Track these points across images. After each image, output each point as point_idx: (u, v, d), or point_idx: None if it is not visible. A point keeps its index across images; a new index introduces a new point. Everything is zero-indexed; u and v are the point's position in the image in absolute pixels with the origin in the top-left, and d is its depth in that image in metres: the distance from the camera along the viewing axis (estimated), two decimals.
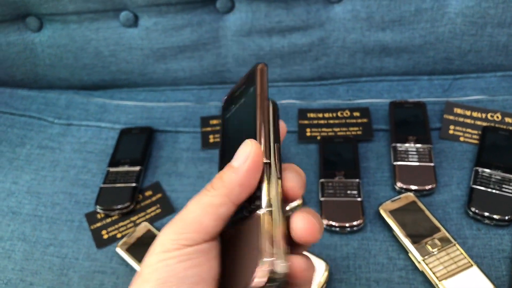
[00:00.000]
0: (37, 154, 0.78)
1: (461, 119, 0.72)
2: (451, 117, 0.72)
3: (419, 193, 0.64)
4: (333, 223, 0.61)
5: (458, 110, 0.73)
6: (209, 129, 0.78)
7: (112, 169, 0.72)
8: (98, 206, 0.68)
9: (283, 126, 0.34)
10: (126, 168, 0.72)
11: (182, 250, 0.29)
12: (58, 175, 0.74)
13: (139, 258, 0.61)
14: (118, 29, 0.85)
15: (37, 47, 0.89)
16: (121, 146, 0.76)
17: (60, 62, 0.90)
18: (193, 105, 0.84)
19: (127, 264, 0.61)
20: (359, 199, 0.63)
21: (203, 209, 0.30)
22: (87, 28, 0.85)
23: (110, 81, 0.92)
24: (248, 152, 0.31)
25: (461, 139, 0.70)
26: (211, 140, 0.76)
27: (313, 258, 0.57)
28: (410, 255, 0.58)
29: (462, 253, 0.57)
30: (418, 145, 0.68)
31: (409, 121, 0.71)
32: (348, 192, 0.64)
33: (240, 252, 0.30)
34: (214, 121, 0.79)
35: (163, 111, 0.84)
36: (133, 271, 0.61)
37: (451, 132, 0.71)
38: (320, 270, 0.56)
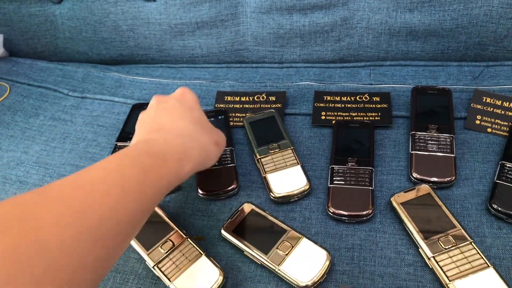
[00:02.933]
0: (49, 125, 0.78)
1: (490, 109, 0.66)
2: (479, 106, 0.67)
3: (436, 185, 0.59)
4: (340, 212, 0.58)
5: (488, 99, 0.67)
6: (222, 105, 0.75)
7: (120, 144, 0.71)
8: None
9: None
10: None
11: None
12: (67, 147, 0.74)
13: (137, 235, 0.59)
14: (136, 2, 0.83)
15: (58, 19, 0.89)
16: (132, 121, 0.75)
17: (79, 35, 0.90)
18: (208, 83, 0.82)
19: None
20: (370, 188, 0.59)
21: None
22: (106, 1, 0.84)
23: (128, 56, 0.91)
24: None
25: (489, 130, 0.65)
26: None
27: (314, 247, 0.54)
28: (420, 250, 0.54)
29: (478, 253, 0.52)
30: (439, 134, 0.63)
31: (432, 109, 0.66)
32: (359, 180, 0.60)
33: None
34: (229, 98, 0.76)
35: (177, 88, 0.82)
36: (130, 248, 0.59)
37: (477, 122, 0.66)
38: (321, 259, 0.53)
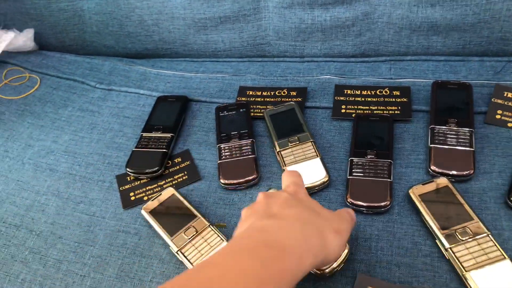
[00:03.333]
0: (77, 116, 0.81)
1: (511, 104, 0.66)
2: (500, 101, 0.67)
3: (454, 179, 0.60)
4: (359, 203, 0.59)
5: (509, 94, 0.67)
6: (244, 99, 0.77)
7: (145, 134, 0.74)
8: (128, 169, 0.69)
9: None
10: (158, 134, 0.73)
11: None
12: (94, 137, 0.77)
13: (161, 221, 0.62)
14: None
15: (85, 14, 0.92)
16: (156, 112, 0.78)
17: (106, 29, 0.92)
18: (230, 77, 0.84)
19: (150, 226, 0.63)
20: (388, 180, 0.60)
21: None
22: None
23: (153, 50, 0.93)
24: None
25: (509, 125, 0.65)
26: None
27: None
28: (437, 241, 0.55)
29: (495, 245, 0.53)
30: (459, 128, 0.63)
31: (452, 103, 0.67)
32: (378, 172, 0.61)
33: None
34: (251, 92, 0.78)
35: (200, 81, 0.84)
36: (155, 233, 0.62)
37: (498, 117, 0.66)
38: None
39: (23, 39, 0.94)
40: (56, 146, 0.76)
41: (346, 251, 0.54)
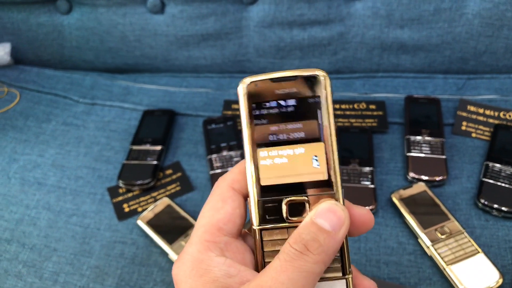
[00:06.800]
0: (62, 130, 0.81)
1: (473, 116, 0.74)
2: (464, 114, 0.75)
3: (430, 184, 0.66)
4: None
5: (471, 108, 0.75)
6: (229, 112, 0.81)
7: (134, 147, 0.75)
8: (120, 181, 0.70)
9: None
10: (148, 147, 0.75)
11: None
12: (82, 151, 0.77)
13: (158, 231, 0.64)
14: (144, 15, 0.88)
15: (65, 29, 0.92)
16: (144, 126, 0.79)
17: (86, 45, 0.93)
18: (213, 91, 0.87)
19: (147, 236, 0.64)
20: (372, 186, 0.66)
21: (306, 278, 0.28)
22: (114, 12, 0.88)
23: (133, 65, 0.95)
24: (343, 219, 0.30)
25: (473, 135, 0.73)
26: None
27: None
28: (419, 240, 0.60)
29: (470, 241, 0.59)
30: (431, 138, 0.70)
31: (423, 116, 0.74)
32: (362, 179, 0.67)
33: None
34: (236, 106, 0.82)
35: (184, 96, 0.87)
36: (152, 242, 0.63)
37: (463, 128, 0.73)
38: None
39: (0, 53, 0.93)
40: (43, 160, 0.76)
41: None
